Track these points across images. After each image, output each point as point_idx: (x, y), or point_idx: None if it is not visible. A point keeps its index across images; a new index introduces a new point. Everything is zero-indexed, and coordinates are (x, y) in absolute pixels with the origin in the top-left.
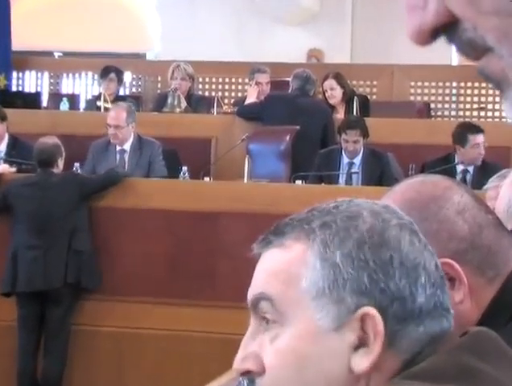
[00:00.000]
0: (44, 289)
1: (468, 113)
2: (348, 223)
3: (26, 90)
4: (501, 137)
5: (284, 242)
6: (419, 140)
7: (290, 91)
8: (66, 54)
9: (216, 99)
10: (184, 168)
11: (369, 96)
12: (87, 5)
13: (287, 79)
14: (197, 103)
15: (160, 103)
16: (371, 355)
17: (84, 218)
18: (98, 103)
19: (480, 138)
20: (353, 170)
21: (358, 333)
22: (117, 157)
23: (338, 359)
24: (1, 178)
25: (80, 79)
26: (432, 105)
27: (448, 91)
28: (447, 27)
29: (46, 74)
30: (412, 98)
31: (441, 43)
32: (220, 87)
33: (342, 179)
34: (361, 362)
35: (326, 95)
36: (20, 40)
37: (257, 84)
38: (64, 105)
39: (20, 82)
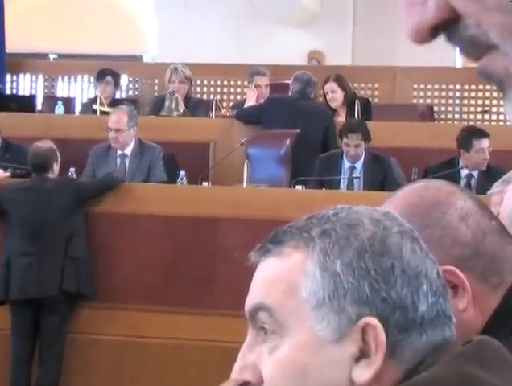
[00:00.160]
0: (39, 297)
1: (472, 117)
2: (349, 232)
3: (21, 93)
4: (506, 141)
5: (283, 250)
6: (422, 144)
7: (290, 94)
8: (61, 56)
9: (214, 102)
10: (182, 173)
11: (370, 99)
12: (82, 6)
13: (287, 81)
14: (195, 106)
15: (157, 106)
16: (373, 367)
17: (81, 223)
18: (94, 106)
19: (485, 143)
20: (354, 175)
21: (359, 344)
22: (118, 161)
23: (339, 370)
24: None
25: (75, 82)
26: (435, 108)
27: (451, 94)
28: (447, 25)
29: (40, 77)
30: (415, 101)
31: (445, 44)
32: (218, 90)
33: (343, 184)
34: (363, 373)
35: (327, 98)
36: (14, 42)
37: (256, 86)
38: (59, 109)
39: (14, 85)
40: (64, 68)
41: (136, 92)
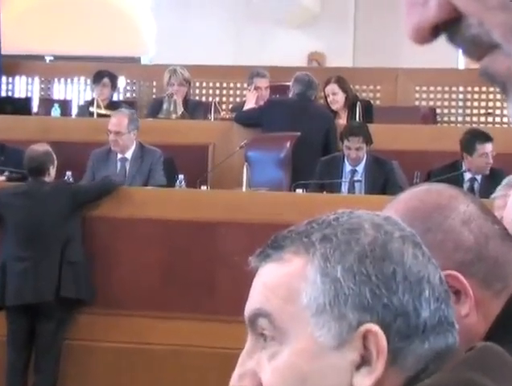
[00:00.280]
0: (34, 303)
1: (475, 119)
2: (350, 237)
3: (16, 95)
4: (510, 144)
5: (283, 256)
6: (425, 146)
7: (290, 95)
8: (57, 58)
9: (213, 104)
10: (181, 176)
11: (372, 101)
12: (79, 7)
13: (287, 83)
14: (194, 108)
15: (155, 109)
16: (374, 374)
17: (78, 228)
18: (91, 109)
19: (488, 147)
20: (355, 178)
21: (360, 351)
22: (118, 165)
23: (339, 377)
24: None
25: (72, 84)
26: (438, 111)
27: (454, 96)
28: (448, 25)
29: (36, 79)
30: (417, 103)
31: (448, 45)
32: (217, 92)
33: (344, 188)
34: (363, 381)
35: (328, 100)
36: (10, 44)
37: (256, 88)
38: (56, 111)
39: (10, 87)
40: (60, 70)
41: (134, 95)
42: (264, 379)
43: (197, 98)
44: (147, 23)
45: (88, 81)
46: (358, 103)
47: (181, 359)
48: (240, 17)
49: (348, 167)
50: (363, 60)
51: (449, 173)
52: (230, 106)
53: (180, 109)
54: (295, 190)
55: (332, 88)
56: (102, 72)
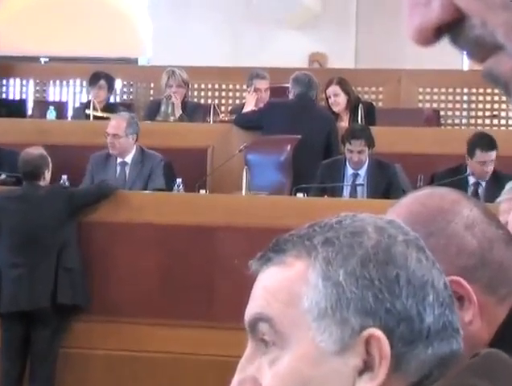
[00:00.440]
0: (30, 309)
1: (480, 121)
2: (352, 240)
3: (11, 98)
4: None
5: (285, 259)
6: (428, 149)
7: (290, 96)
8: (53, 59)
9: (212, 106)
10: (179, 180)
11: (374, 103)
12: (75, 8)
13: (288, 85)
14: (192, 111)
15: (153, 111)
16: (376, 380)
17: (74, 233)
18: (87, 111)
19: (488, 156)
20: (357, 182)
21: (363, 356)
22: (118, 169)
23: (341, 383)
24: None
25: (67, 86)
26: (442, 113)
27: (458, 97)
28: (451, 26)
29: (31, 81)
30: (421, 105)
31: (451, 47)
32: (216, 94)
33: (346, 192)
34: None
35: (329, 102)
36: (4, 45)
37: (255, 90)
38: (51, 114)
39: (4, 89)
40: (55, 72)
41: (131, 97)
42: (265, 385)
43: (196, 100)
44: (144, 23)
45: (84, 83)
46: (360, 105)
47: (180, 367)
48: (239, 17)
49: (350, 171)
50: (365, 61)
51: (453, 176)
52: (229, 108)
53: (178, 112)
54: (295, 194)
55: (334, 89)
56: (98, 74)
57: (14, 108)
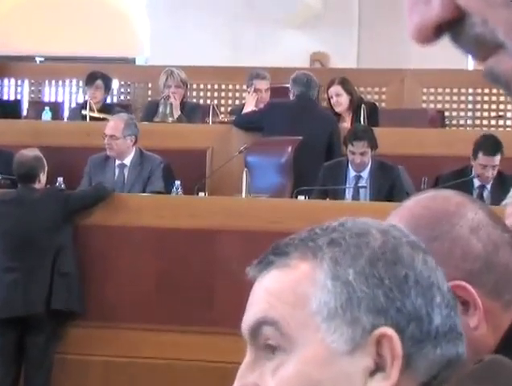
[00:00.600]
0: (24, 315)
1: (485, 122)
2: (359, 240)
3: (5, 98)
4: None
5: (288, 262)
6: (432, 151)
7: (291, 97)
8: (48, 59)
9: (211, 107)
10: (177, 182)
11: (377, 104)
12: (71, 7)
13: (288, 85)
14: (191, 112)
15: (151, 112)
16: (389, 381)
17: (70, 237)
18: (83, 112)
19: (490, 160)
20: (360, 184)
21: (374, 356)
22: (116, 172)
23: (352, 385)
24: None
25: (63, 86)
26: (446, 113)
27: (463, 98)
28: (452, 24)
29: (26, 81)
30: (424, 106)
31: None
32: (216, 94)
33: (349, 194)
34: None
35: (331, 102)
36: None
37: (256, 90)
38: (47, 115)
39: None
40: (51, 71)
41: (128, 97)
42: None
43: (195, 100)
44: (142, 23)
45: (81, 83)
46: (363, 105)
47: (178, 374)
48: (240, 16)
49: (352, 173)
50: (368, 61)
51: (458, 179)
52: (229, 109)
53: (177, 112)
54: (296, 197)
55: (336, 89)
56: (95, 74)
57: (9, 109)
